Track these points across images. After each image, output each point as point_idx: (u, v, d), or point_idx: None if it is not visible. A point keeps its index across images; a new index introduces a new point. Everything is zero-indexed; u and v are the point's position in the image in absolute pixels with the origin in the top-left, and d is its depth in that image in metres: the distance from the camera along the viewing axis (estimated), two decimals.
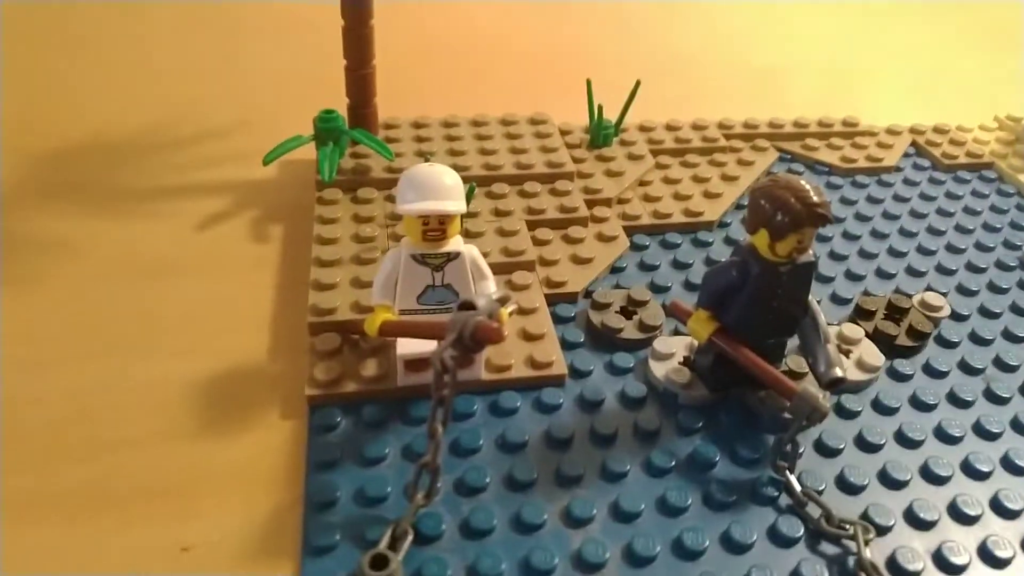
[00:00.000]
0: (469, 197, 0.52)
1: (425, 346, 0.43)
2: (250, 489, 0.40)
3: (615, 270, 0.55)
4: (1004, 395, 0.46)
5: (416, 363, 0.43)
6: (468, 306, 0.38)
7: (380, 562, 0.35)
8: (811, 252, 0.40)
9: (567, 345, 0.48)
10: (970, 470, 0.42)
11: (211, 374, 0.47)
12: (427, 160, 0.54)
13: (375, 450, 0.41)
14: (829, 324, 0.49)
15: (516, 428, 0.42)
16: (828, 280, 0.55)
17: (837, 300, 0.53)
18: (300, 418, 0.44)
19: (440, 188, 0.42)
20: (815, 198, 0.38)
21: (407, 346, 0.43)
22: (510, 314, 0.47)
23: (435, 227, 0.42)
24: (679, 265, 0.56)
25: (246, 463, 0.41)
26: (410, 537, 0.36)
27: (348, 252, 0.52)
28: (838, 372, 0.40)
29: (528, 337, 0.47)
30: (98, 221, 0.59)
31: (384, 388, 0.44)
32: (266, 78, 0.82)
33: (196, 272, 0.55)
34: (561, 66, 0.86)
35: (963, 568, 0.37)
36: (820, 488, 0.40)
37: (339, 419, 0.43)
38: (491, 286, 0.44)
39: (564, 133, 0.67)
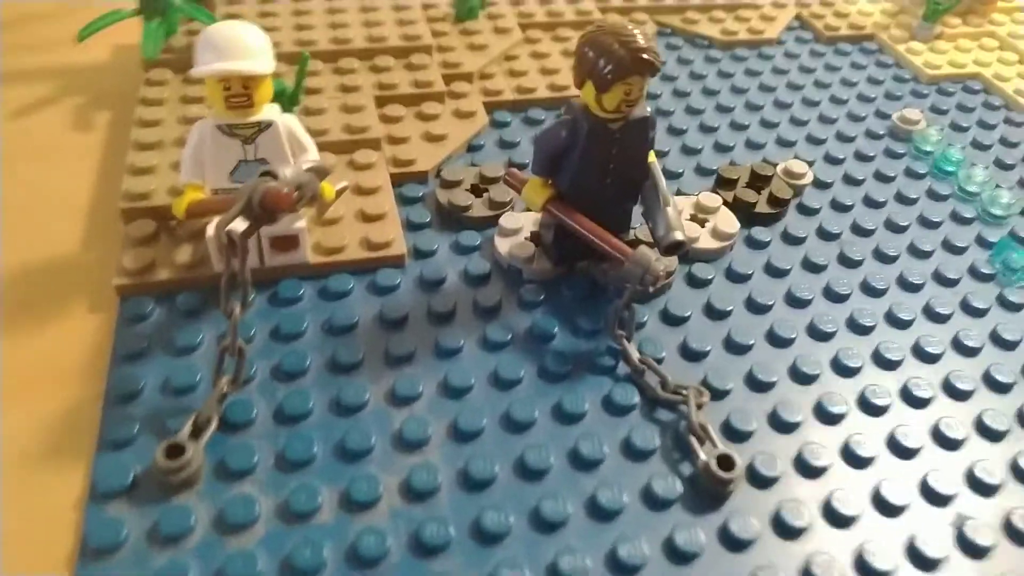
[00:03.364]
0: (303, 70, 0.48)
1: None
2: (45, 387, 0.36)
3: (472, 148, 0.51)
4: (856, 258, 0.45)
5: None
6: (271, 176, 0.35)
7: (176, 451, 0.32)
8: (646, 107, 0.38)
9: (411, 226, 0.45)
10: (814, 331, 0.41)
11: (17, 269, 0.42)
12: None
13: (186, 339, 0.38)
14: (691, 195, 0.48)
15: (345, 311, 0.39)
16: (695, 152, 0.53)
17: (702, 172, 0.51)
18: (110, 311, 0.40)
19: (241, 47, 0.37)
20: (640, 42, 0.34)
21: None
22: (339, 192, 0.43)
23: (238, 92, 0.37)
24: None
25: (44, 359, 0.38)
26: (214, 425, 0.34)
27: (172, 135, 0.48)
28: (677, 235, 0.38)
29: (366, 218, 0.44)
30: None
31: (200, 275, 0.40)
32: None
33: (8, 162, 0.49)
34: None
35: (796, 425, 0.36)
36: (661, 356, 0.39)
37: (151, 309, 0.39)
38: (314, 159, 0.40)
39: (427, 7, 0.62)
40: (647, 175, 0.39)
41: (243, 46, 0.37)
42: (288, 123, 0.40)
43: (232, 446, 0.33)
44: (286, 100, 0.47)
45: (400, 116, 0.51)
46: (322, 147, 0.43)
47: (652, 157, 0.39)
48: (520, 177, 0.41)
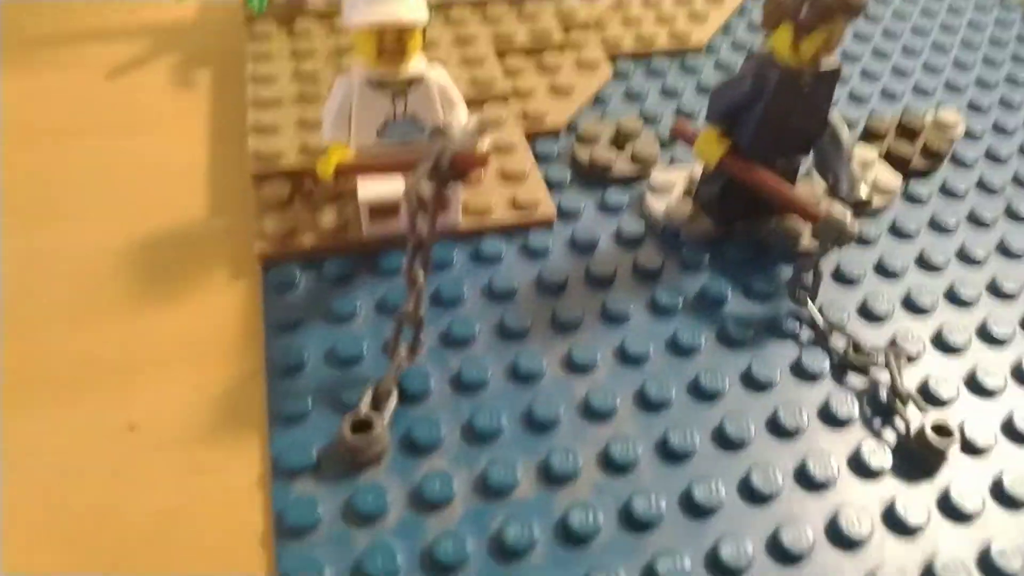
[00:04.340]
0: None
1: (391, 189, 0.37)
2: (202, 359, 0.35)
3: (599, 101, 0.49)
4: None
5: (383, 209, 0.37)
6: (441, 132, 0.32)
7: (362, 426, 0.31)
8: (835, 58, 0.35)
9: (552, 184, 0.42)
10: (996, 291, 0.38)
11: (145, 238, 0.40)
12: None
13: (344, 306, 0.36)
14: None
15: (503, 275, 0.37)
16: None
17: None
18: (253, 277, 0.38)
19: None
20: None
21: (370, 189, 0.37)
22: (486, 151, 0.41)
23: (393, 43, 0.35)
24: (668, 93, 0.50)
25: (195, 331, 0.36)
26: (394, 396, 0.32)
27: (289, 91, 0.45)
28: (864, 193, 0.36)
29: (508, 177, 0.42)
30: None
31: (347, 240, 0.38)
32: None
33: (113, 127, 0.47)
34: None
35: (997, 392, 0.34)
36: (842, 318, 0.36)
37: (298, 276, 0.37)
38: (464, 116, 0.38)
39: None
40: (824, 128, 0.37)
41: None
42: (439, 78, 0.37)
43: (416, 418, 0.32)
44: None
45: (522, 68, 0.49)
46: None
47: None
48: (690, 130, 0.38)
